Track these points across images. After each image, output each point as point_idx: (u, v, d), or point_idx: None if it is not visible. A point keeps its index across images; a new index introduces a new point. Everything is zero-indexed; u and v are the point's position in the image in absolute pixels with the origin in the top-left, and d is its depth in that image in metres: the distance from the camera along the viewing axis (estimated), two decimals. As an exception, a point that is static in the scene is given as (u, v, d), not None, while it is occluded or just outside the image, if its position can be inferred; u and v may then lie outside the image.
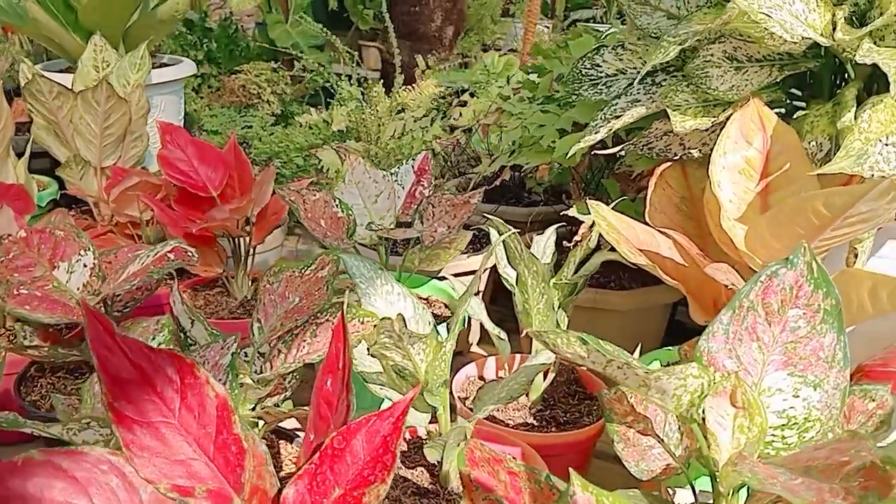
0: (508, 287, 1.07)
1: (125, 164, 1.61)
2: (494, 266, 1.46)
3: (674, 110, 1.02)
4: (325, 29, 2.29)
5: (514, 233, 0.98)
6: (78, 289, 1.05)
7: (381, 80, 2.20)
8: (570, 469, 0.64)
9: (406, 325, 0.72)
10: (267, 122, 2.08)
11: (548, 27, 3.84)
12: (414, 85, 2.16)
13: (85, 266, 1.06)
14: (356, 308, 0.92)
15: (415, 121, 1.78)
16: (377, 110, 1.99)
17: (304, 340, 0.93)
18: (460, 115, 1.73)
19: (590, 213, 1.21)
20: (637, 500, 0.65)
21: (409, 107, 2.05)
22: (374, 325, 0.74)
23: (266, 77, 2.16)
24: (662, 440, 0.76)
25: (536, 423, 1.03)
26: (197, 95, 2.37)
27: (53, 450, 0.54)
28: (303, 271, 1.00)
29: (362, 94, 2.01)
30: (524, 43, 3.07)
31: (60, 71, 1.85)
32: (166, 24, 1.84)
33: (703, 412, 0.69)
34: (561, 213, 1.26)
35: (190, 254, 0.95)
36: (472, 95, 2.13)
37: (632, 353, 1.16)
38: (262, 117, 2.09)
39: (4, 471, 0.52)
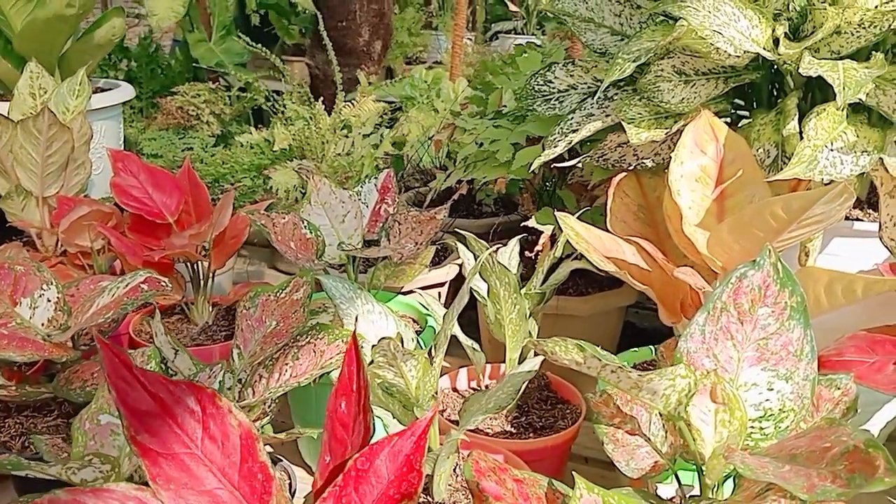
0: (480, 299, 1.10)
1: (68, 192, 1.57)
2: (454, 278, 1.49)
3: (628, 123, 1.07)
4: (250, 46, 2.26)
5: (486, 246, 1.01)
6: (43, 324, 1.02)
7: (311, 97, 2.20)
8: (574, 473, 0.67)
9: (402, 345, 0.74)
10: (208, 144, 2.06)
11: (471, 39, 3.91)
12: (353, 101, 2.17)
13: (48, 301, 1.03)
14: (338, 329, 0.93)
15: (363, 137, 1.79)
16: (319, 128, 1.99)
17: (287, 364, 0.93)
18: (409, 131, 1.75)
19: (548, 224, 1.25)
20: (637, 499, 0.69)
21: (353, 123, 2.06)
22: (372, 346, 0.75)
23: (204, 98, 2.14)
24: (649, 439, 0.80)
25: (514, 430, 1.06)
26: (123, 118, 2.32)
27: (78, 488, 0.54)
28: (278, 295, 1.01)
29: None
30: (452, 56, 3.12)
31: (-9, 99, 1.78)
32: (102, 47, 1.80)
33: (688, 410, 0.73)
34: (521, 225, 1.30)
35: (163, 283, 0.95)
36: (400, 110, 2.16)
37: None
38: (202, 139, 2.06)
39: (30, 515, 0.52)
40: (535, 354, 1.10)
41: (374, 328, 0.91)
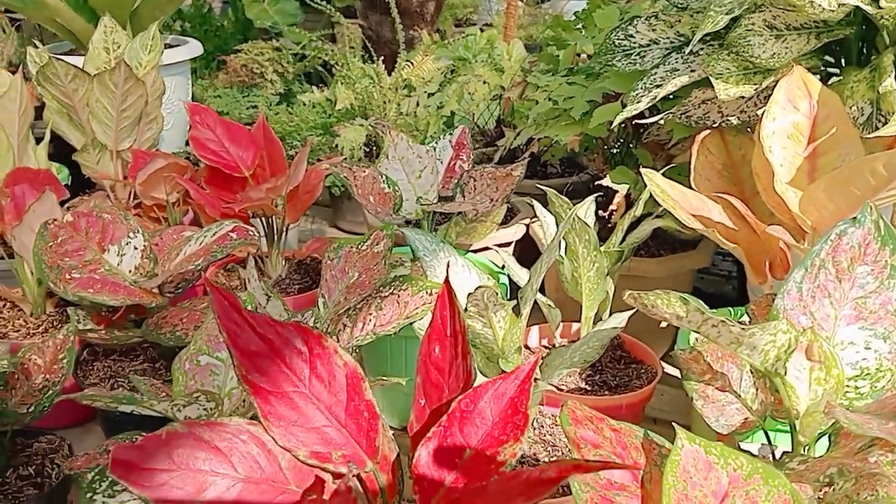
0: (557, 258, 1.09)
1: (140, 146, 1.60)
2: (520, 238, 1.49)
3: (716, 78, 1.04)
4: (314, 2, 2.24)
5: (568, 204, 1.00)
6: (130, 271, 1.05)
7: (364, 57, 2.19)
8: (675, 424, 0.66)
9: (497, 296, 0.74)
10: (272, 102, 2.07)
11: (523, 1, 3.85)
12: (411, 61, 2.16)
13: (135, 249, 1.06)
14: (423, 280, 0.93)
15: (428, 96, 1.78)
16: (381, 87, 1.98)
17: (370, 314, 0.94)
18: (475, 89, 1.74)
19: (624, 182, 1.23)
20: (735, 452, 0.68)
21: (414, 83, 2.05)
22: (468, 294, 0.75)
23: (268, 56, 2.14)
24: (740, 395, 0.79)
25: (589, 388, 1.06)
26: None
27: (195, 421, 0.55)
28: (360, 247, 1.01)
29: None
30: (507, 17, 3.08)
31: (63, 54, 1.81)
32: (172, 3, 1.81)
33: (786, 366, 0.72)
34: (595, 183, 1.29)
35: (251, 232, 0.96)
36: (453, 72, 2.14)
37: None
38: (266, 97, 2.08)
39: (150, 444, 0.53)
40: (611, 314, 1.09)
41: (459, 280, 0.91)
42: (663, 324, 1.34)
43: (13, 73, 1.47)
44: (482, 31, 2.80)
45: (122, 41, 1.63)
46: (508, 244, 1.49)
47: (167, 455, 0.53)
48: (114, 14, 1.65)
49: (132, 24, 1.76)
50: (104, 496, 0.62)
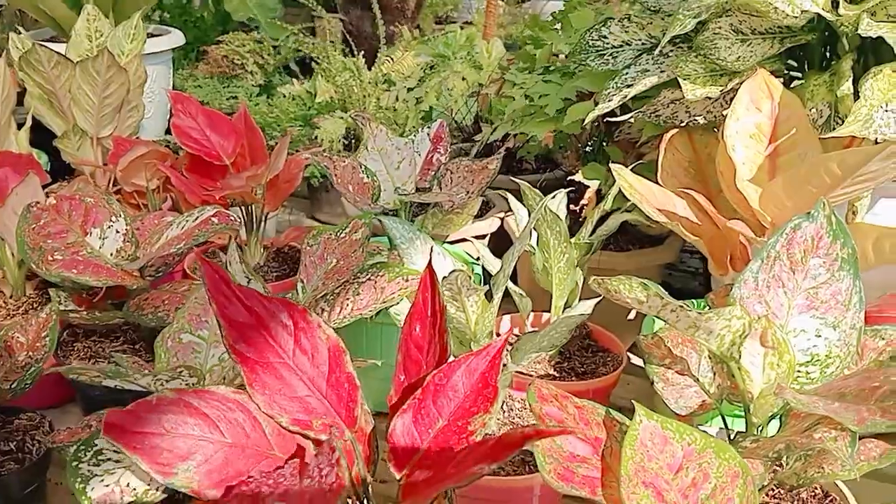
0: (528, 248, 1.13)
1: (121, 133, 1.61)
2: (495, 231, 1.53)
3: (684, 79, 1.09)
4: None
5: (540, 196, 1.04)
6: (111, 254, 1.07)
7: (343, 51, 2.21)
8: (634, 401, 0.71)
9: (470, 280, 0.78)
10: (252, 93, 2.09)
11: (503, 0, 3.89)
12: (391, 57, 2.19)
13: (117, 232, 1.08)
14: (399, 267, 0.97)
15: (408, 90, 1.81)
16: (361, 81, 2.01)
17: (348, 299, 0.97)
18: (454, 85, 1.77)
19: (595, 178, 1.28)
20: (690, 428, 0.72)
21: (393, 78, 2.08)
22: (443, 278, 0.79)
23: (249, 48, 2.16)
24: (698, 379, 0.84)
25: (557, 374, 1.10)
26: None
27: (184, 389, 0.58)
28: (339, 234, 1.05)
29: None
30: (487, 16, 3.11)
31: (45, 41, 1.82)
32: (154, -7, 1.82)
33: (741, 350, 0.76)
34: (567, 179, 1.33)
35: (233, 218, 0.99)
36: (432, 68, 2.17)
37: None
38: (246, 88, 2.10)
39: (141, 409, 0.56)
40: (580, 301, 1.13)
41: (435, 267, 0.95)
42: (630, 315, 1.38)
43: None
44: (462, 28, 2.83)
45: (105, 29, 1.64)
46: (483, 237, 1.53)
47: (157, 420, 0.56)
48: (97, 2, 1.66)
49: (115, 12, 1.77)
50: (89, 464, 0.65)
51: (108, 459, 0.66)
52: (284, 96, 2.10)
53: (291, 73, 2.42)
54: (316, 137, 1.79)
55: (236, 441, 0.58)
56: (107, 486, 0.62)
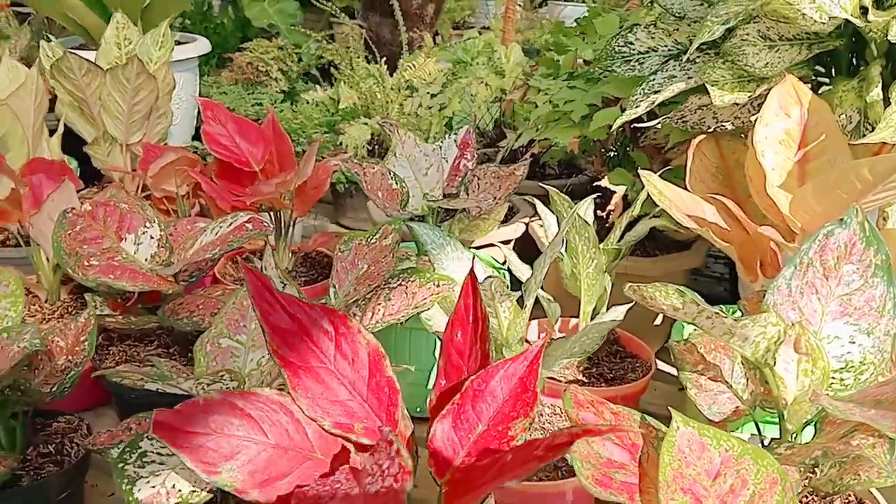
0: (557, 255, 1.14)
1: (150, 140, 1.63)
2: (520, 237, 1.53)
3: (712, 85, 1.09)
4: (319, 3, 2.29)
5: (570, 203, 1.04)
6: (146, 259, 1.09)
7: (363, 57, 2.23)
8: (670, 408, 0.71)
9: (503, 287, 0.78)
10: (276, 100, 2.11)
11: (520, 5, 3.89)
12: (414, 63, 2.20)
13: (152, 238, 1.09)
14: (430, 272, 0.98)
15: (431, 97, 1.82)
16: (384, 87, 2.03)
17: (379, 304, 0.98)
18: (477, 91, 1.78)
19: (621, 184, 1.28)
20: (726, 434, 0.73)
21: (415, 84, 2.09)
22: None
23: (273, 54, 2.18)
24: (731, 386, 0.84)
25: (586, 380, 1.10)
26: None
27: (230, 391, 0.59)
28: (369, 240, 1.06)
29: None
30: (505, 21, 3.12)
31: (74, 48, 1.85)
32: (181, 2, 1.85)
33: (775, 357, 0.76)
34: (593, 185, 1.33)
35: (266, 224, 1.00)
36: (454, 76, 2.18)
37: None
38: (270, 94, 2.12)
39: (189, 410, 0.58)
40: (611, 307, 1.14)
41: (465, 271, 0.96)
42: (657, 321, 1.39)
43: (29, 66, 1.50)
44: (480, 33, 2.84)
45: (134, 37, 1.67)
46: (508, 242, 1.54)
47: (204, 420, 0.57)
48: (126, 10, 1.69)
49: (143, 20, 1.80)
50: (135, 466, 0.66)
51: (153, 461, 0.67)
52: (308, 102, 2.12)
53: (313, 80, 2.45)
54: (341, 143, 1.81)
55: (279, 442, 0.59)
56: (153, 487, 0.64)
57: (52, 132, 1.52)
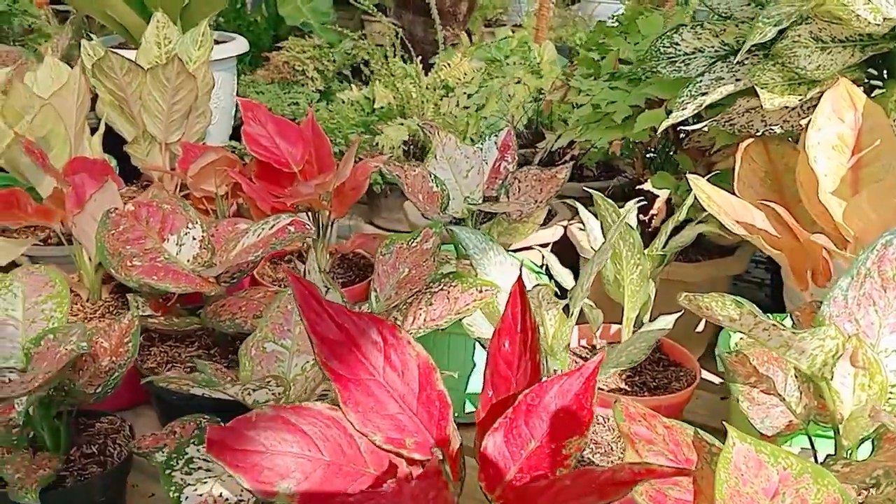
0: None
1: (189, 139, 1.64)
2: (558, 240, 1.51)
3: (762, 88, 1.07)
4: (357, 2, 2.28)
5: (615, 207, 1.03)
6: (188, 260, 1.09)
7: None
8: (725, 423, 0.69)
9: (550, 295, 0.77)
10: (312, 99, 2.11)
11: (553, 2, 3.85)
12: (449, 62, 2.19)
13: (194, 239, 1.10)
14: (473, 277, 0.96)
15: (468, 97, 1.81)
16: (419, 86, 2.02)
17: (421, 309, 0.97)
18: (514, 92, 1.76)
19: (665, 187, 1.26)
20: (785, 451, 0.71)
21: (450, 83, 2.08)
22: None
23: (309, 54, 2.18)
24: (784, 399, 0.82)
25: (629, 389, 1.09)
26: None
27: (282, 406, 0.59)
28: (410, 243, 1.05)
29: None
30: (539, 19, 3.09)
31: (113, 47, 1.86)
32: (220, 1, 1.85)
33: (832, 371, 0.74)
34: (636, 188, 1.31)
35: (308, 227, 0.99)
36: (489, 76, 2.16)
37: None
38: (306, 94, 2.12)
39: (242, 426, 0.57)
40: (651, 318, 1.12)
41: (508, 279, 0.94)
42: (698, 328, 1.36)
43: (69, 65, 1.52)
44: (513, 31, 2.81)
45: (174, 36, 1.67)
46: (546, 245, 1.52)
47: (257, 437, 0.57)
48: (165, 10, 1.69)
49: (182, 19, 1.81)
50: (182, 473, 0.66)
51: (200, 468, 0.67)
52: (343, 102, 2.11)
53: (346, 79, 2.45)
54: (376, 144, 1.80)
55: (334, 459, 0.58)
56: (200, 495, 0.63)
57: (92, 131, 1.53)
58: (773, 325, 0.69)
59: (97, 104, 1.62)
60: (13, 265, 1.25)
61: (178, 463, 0.67)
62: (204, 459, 0.68)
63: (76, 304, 1.24)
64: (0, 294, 0.91)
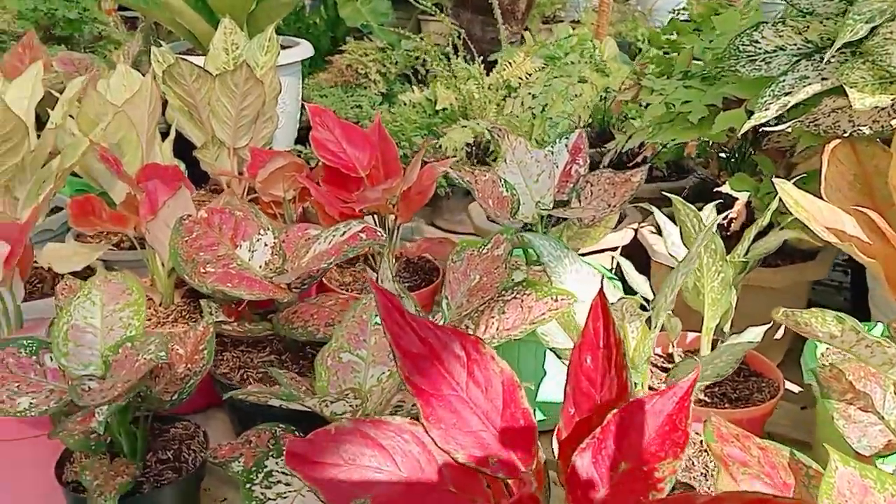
0: (670, 264, 1.08)
1: (256, 144, 1.65)
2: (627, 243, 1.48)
3: (851, 87, 1.02)
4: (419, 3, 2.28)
5: (695, 211, 0.99)
6: (260, 267, 1.09)
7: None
8: (826, 445, 0.65)
9: (634, 308, 0.74)
10: (375, 102, 2.10)
11: (610, -2, 3.78)
12: (511, 61, 2.16)
13: (265, 245, 1.10)
14: (547, 285, 0.94)
15: (533, 97, 1.78)
16: (482, 88, 1.99)
17: (493, 318, 0.95)
18: (581, 91, 1.73)
19: (744, 190, 1.21)
20: (892, 476, 0.67)
21: (512, 83, 2.05)
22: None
23: (372, 56, 2.18)
24: (883, 417, 0.77)
25: (708, 400, 1.05)
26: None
27: (361, 420, 0.57)
28: (481, 250, 1.03)
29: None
30: (599, 15, 3.03)
31: (181, 53, 1.89)
32: (286, 6, 1.87)
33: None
34: (714, 190, 1.27)
35: (380, 233, 0.98)
36: (555, 76, 2.12)
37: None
38: (369, 96, 2.12)
39: (321, 439, 0.56)
40: (731, 326, 1.08)
41: (585, 287, 0.92)
42: (777, 335, 1.31)
43: (141, 72, 1.54)
44: (572, 28, 2.76)
45: (241, 42, 1.69)
46: (616, 249, 1.48)
47: (336, 450, 0.56)
48: (232, 16, 1.71)
49: (249, 25, 1.82)
50: (262, 487, 0.65)
51: (279, 482, 0.67)
52: (405, 104, 2.11)
53: (406, 80, 2.44)
54: (440, 147, 1.79)
55: (412, 475, 0.57)
56: (280, 511, 0.63)
57: (162, 137, 1.56)
58: (877, 341, 0.65)
59: (167, 110, 1.65)
60: (88, 269, 1.28)
61: (257, 476, 0.67)
62: (283, 472, 0.68)
63: (149, 308, 1.26)
64: (79, 302, 0.92)
